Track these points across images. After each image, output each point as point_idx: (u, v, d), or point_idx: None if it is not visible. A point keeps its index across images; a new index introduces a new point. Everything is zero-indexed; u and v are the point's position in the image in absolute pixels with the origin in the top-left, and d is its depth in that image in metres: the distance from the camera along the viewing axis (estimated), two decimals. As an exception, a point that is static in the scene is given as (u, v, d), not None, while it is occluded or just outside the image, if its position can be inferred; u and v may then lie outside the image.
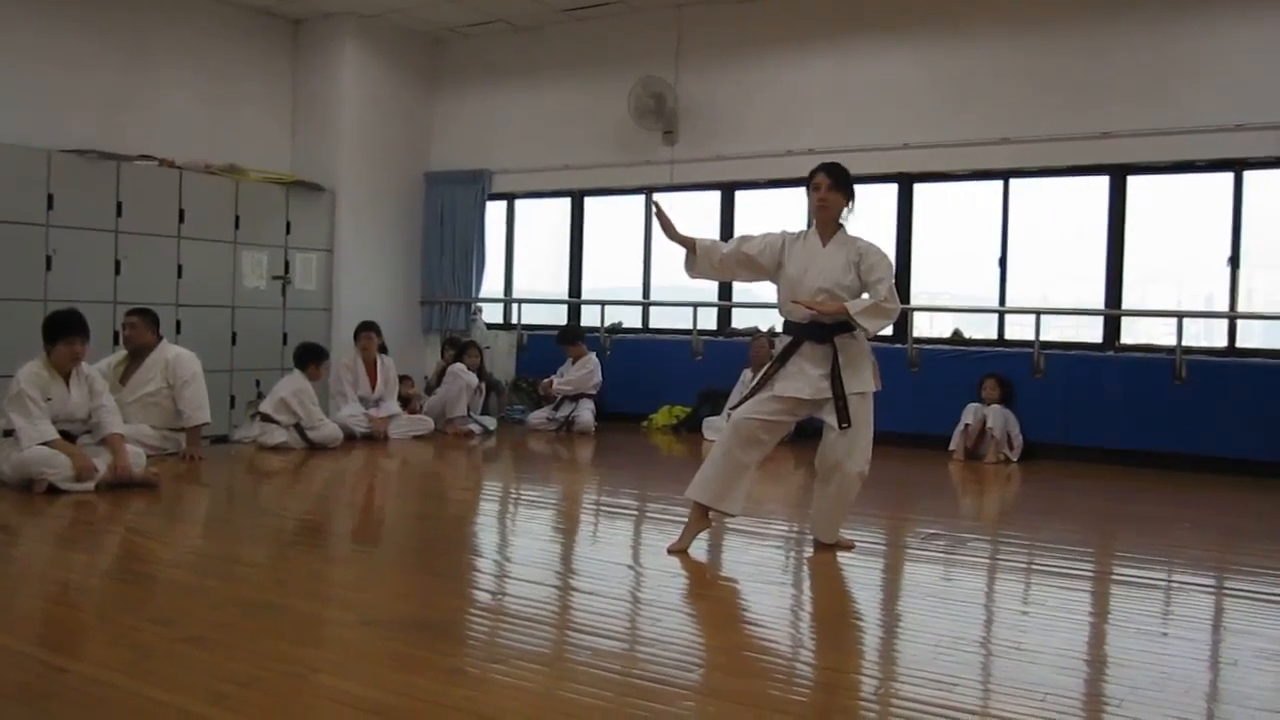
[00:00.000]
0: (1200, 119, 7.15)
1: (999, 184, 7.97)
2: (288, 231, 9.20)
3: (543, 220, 10.30)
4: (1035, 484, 6.70)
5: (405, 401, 8.57)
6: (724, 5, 8.87)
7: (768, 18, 8.70)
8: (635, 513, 5.65)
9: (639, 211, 9.54)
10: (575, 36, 9.59)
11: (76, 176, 7.73)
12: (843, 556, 4.37)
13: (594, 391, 8.95)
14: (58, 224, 7.61)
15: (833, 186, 4.35)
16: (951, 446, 7.48)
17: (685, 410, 8.92)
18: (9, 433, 5.34)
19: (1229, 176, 7.23)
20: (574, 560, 4.48)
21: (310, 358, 7.63)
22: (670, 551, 4.34)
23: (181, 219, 8.39)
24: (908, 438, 7.55)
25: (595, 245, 9.93)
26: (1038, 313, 7.69)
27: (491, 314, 10.31)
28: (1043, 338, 7.64)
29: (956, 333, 8.35)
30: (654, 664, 2.93)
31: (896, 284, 4.34)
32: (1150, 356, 7.39)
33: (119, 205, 7.98)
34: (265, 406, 7.44)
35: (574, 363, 9.02)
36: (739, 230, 8.92)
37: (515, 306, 10.17)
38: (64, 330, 5.46)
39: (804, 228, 4.54)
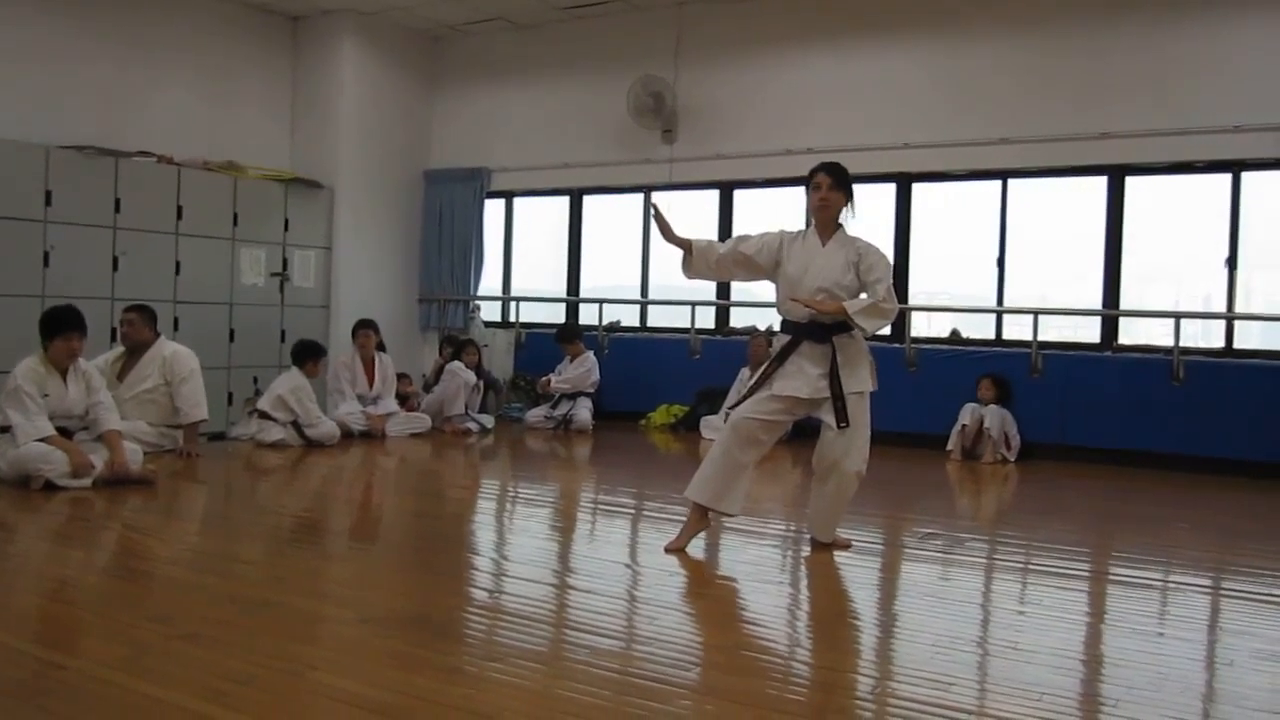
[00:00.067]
0: (1199, 120, 7.16)
1: (997, 184, 7.98)
2: (286, 229, 9.20)
3: (541, 218, 10.30)
4: (1032, 484, 6.70)
5: (403, 399, 8.57)
6: (723, 4, 8.87)
7: (767, 17, 8.70)
8: (633, 511, 5.65)
9: (638, 210, 9.54)
10: (574, 35, 9.58)
11: (75, 172, 7.72)
12: (840, 556, 4.38)
13: (592, 390, 8.95)
14: (56, 220, 7.60)
15: (834, 186, 4.35)
16: (949, 446, 7.49)
17: (683, 409, 8.92)
18: (6, 429, 5.33)
19: (1227, 177, 7.24)
20: (572, 559, 4.48)
21: (308, 355, 7.63)
22: (668, 550, 4.34)
23: (180, 215, 8.38)
24: (905, 437, 7.56)
25: (594, 244, 9.93)
26: (1036, 313, 7.70)
27: (490, 312, 10.31)
28: (1041, 338, 7.64)
29: (954, 332, 8.36)
30: (652, 663, 2.93)
31: (895, 284, 4.35)
32: (1148, 357, 7.40)
33: (117, 201, 7.97)
34: (263, 404, 7.44)
35: (572, 361, 9.02)
36: (738, 229, 8.96)
37: (513, 304, 10.17)
38: (61, 326, 5.46)
39: (803, 227, 4.54)
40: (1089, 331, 7.86)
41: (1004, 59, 7.81)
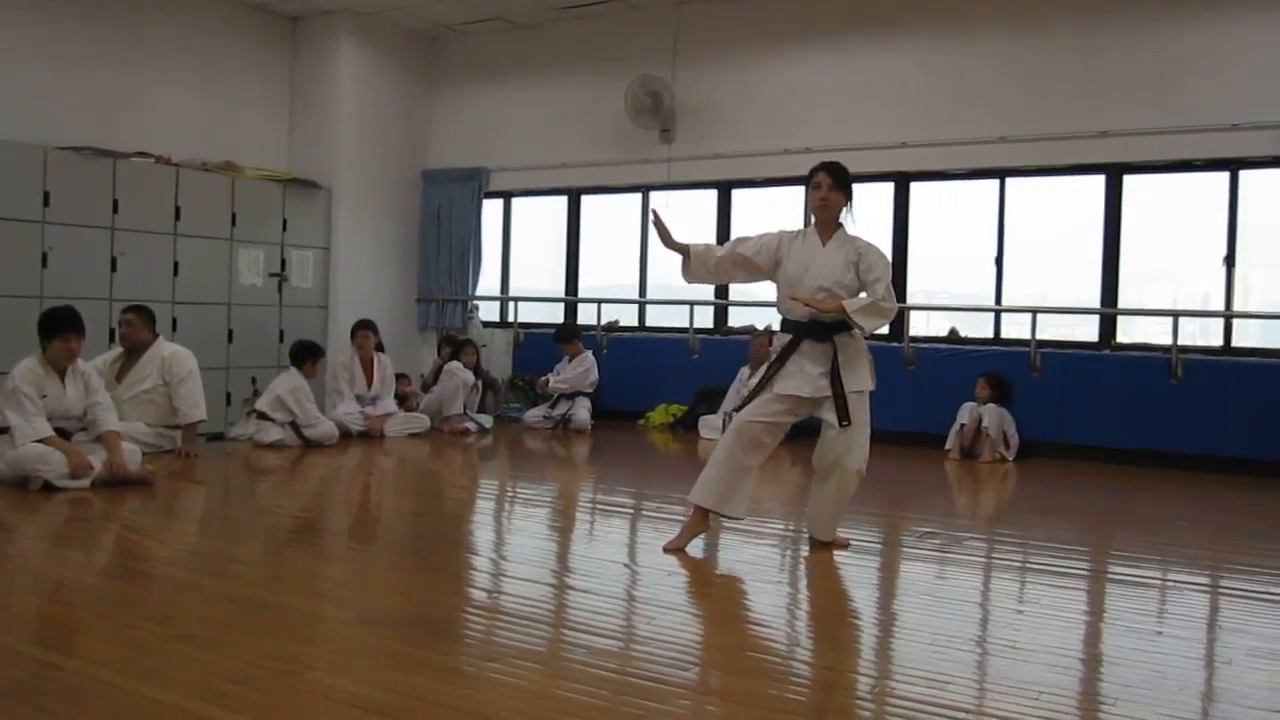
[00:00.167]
0: (1197, 118, 7.16)
1: (996, 183, 7.98)
2: (284, 229, 9.19)
3: (539, 218, 10.30)
4: (1031, 483, 6.71)
5: (403, 400, 8.57)
6: (721, 4, 8.87)
7: (765, 16, 8.70)
8: (631, 511, 5.65)
9: (636, 210, 9.54)
10: (572, 34, 9.58)
11: (73, 173, 7.72)
12: (839, 555, 4.38)
13: (590, 390, 8.95)
14: (54, 221, 7.60)
15: (834, 185, 4.36)
16: (948, 446, 7.49)
17: (682, 409, 8.92)
18: (4, 430, 5.33)
19: (1225, 176, 7.24)
20: (570, 559, 4.48)
21: (306, 355, 7.62)
22: (666, 550, 4.34)
23: (178, 216, 8.38)
24: (904, 436, 7.56)
25: (592, 243, 9.93)
26: (1034, 311, 7.70)
27: (488, 312, 10.30)
28: (1039, 336, 7.64)
29: (953, 331, 8.36)
30: (650, 662, 2.93)
31: (894, 283, 4.35)
32: (1146, 355, 7.40)
33: (115, 202, 7.97)
34: (261, 404, 7.43)
35: (570, 361, 9.02)
36: (736, 229, 8.98)
37: (512, 304, 10.17)
38: (60, 327, 5.45)
39: (802, 226, 4.55)
40: (1087, 330, 7.87)
41: (1002, 58, 7.81)
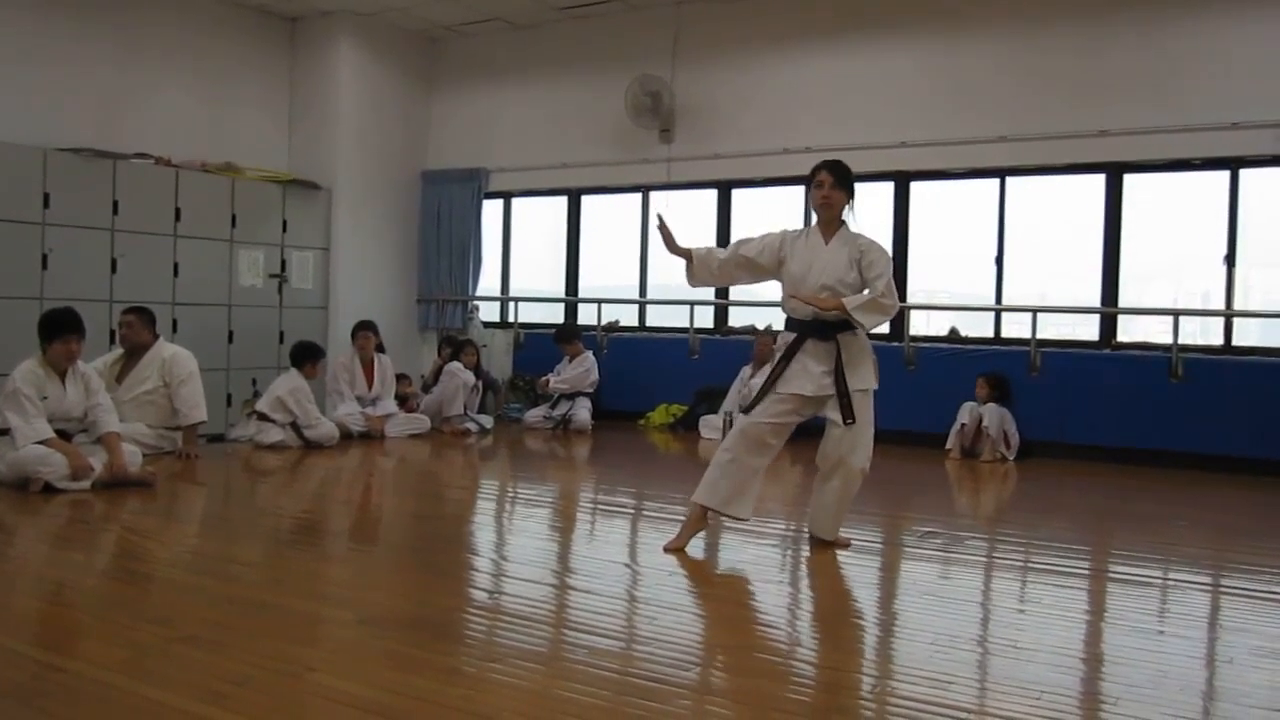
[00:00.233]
0: (1197, 117, 7.16)
1: (996, 182, 7.98)
2: (284, 230, 9.20)
3: (539, 218, 10.30)
4: (1032, 482, 6.70)
5: (403, 400, 8.56)
6: (721, 3, 8.87)
7: (764, 16, 8.70)
8: (632, 511, 5.65)
9: (636, 210, 9.54)
10: (572, 35, 9.58)
11: (73, 175, 7.72)
12: (840, 555, 4.37)
13: (591, 390, 8.94)
14: (54, 222, 7.61)
15: (836, 184, 4.37)
16: (948, 445, 7.49)
17: (682, 408, 8.92)
18: (5, 431, 5.33)
19: (1225, 175, 7.24)
20: (571, 559, 4.48)
21: (307, 356, 7.62)
22: (667, 550, 4.34)
23: (178, 217, 8.38)
24: (904, 436, 7.55)
25: (592, 244, 9.93)
26: (1034, 311, 7.70)
27: (488, 312, 10.31)
28: (1039, 336, 7.64)
29: (953, 331, 8.36)
30: (651, 662, 2.93)
31: (894, 283, 4.35)
32: (1147, 354, 7.40)
33: (115, 204, 7.97)
34: (262, 405, 7.43)
35: (571, 361, 9.01)
36: (735, 228, 8.99)
37: (512, 305, 10.16)
38: (60, 329, 5.45)
39: (804, 226, 4.56)
40: (1088, 329, 7.87)
41: (1002, 57, 7.81)
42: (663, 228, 4.51)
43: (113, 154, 7.99)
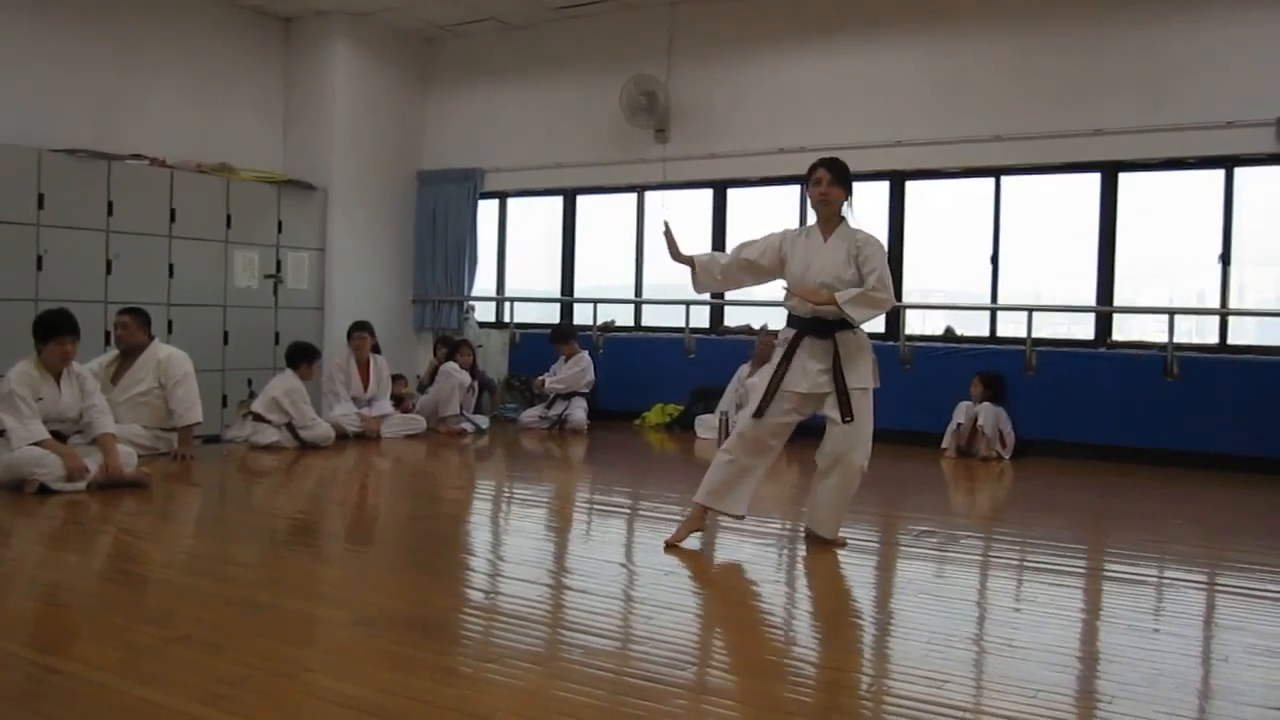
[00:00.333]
0: (1192, 116, 7.17)
1: (991, 181, 7.99)
2: (279, 230, 9.19)
3: (535, 218, 10.30)
4: (1027, 481, 6.71)
5: (399, 401, 8.55)
6: (716, 3, 8.87)
7: (760, 15, 8.70)
8: (628, 511, 5.65)
9: (631, 210, 9.54)
10: (567, 34, 9.58)
11: (67, 176, 7.71)
12: (836, 553, 4.37)
13: (586, 390, 8.94)
14: (48, 223, 7.59)
15: (833, 181, 4.39)
16: (944, 444, 7.50)
17: (678, 408, 8.92)
18: (0, 433, 5.32)
19: (1220, 173, 7.26)
20: (567, 559, 4.48)
21: (302, 357, 7.61)
22: (667, 544, 4.36)
23: (173, 218, 8.38)
24: (900, 435, 7.55)
25: (587, 243, 9.93)
26: (1030, 310, 7.70)
27: (484, 312, 10.30)
28: (1035, 335, 7.66)
29: (949, 330, 8.36)
30: (647, 662, 2.93)
31: (890, 278, 4.35)
32: (1142, 353, 7.41)
33: (110, 204, 7.96)
34: (257, 406, 7.42)
35: (566, 361, 9.01)
36: (731, 228, 8.99)
37: (507, 305, 10.16)
38: (55, 330, 5.44)
39: (803, 225, 4.58)
40: (1083, 328, 7.88)
41: (997, 56, 7.82)
42: (668, 234, 4.54)
43: (108, 155, 7.98)
